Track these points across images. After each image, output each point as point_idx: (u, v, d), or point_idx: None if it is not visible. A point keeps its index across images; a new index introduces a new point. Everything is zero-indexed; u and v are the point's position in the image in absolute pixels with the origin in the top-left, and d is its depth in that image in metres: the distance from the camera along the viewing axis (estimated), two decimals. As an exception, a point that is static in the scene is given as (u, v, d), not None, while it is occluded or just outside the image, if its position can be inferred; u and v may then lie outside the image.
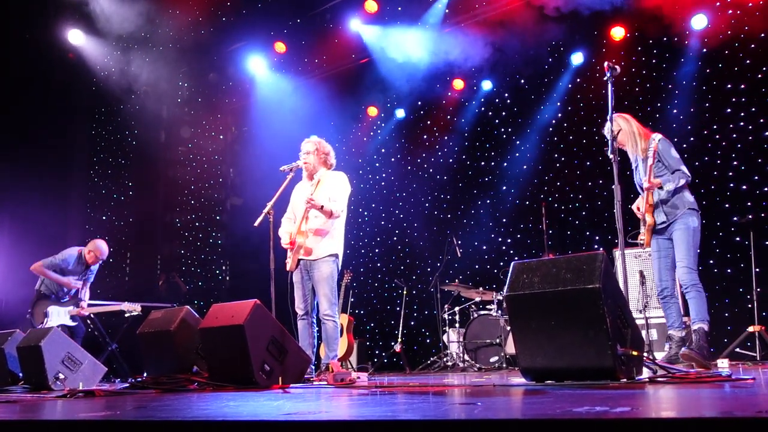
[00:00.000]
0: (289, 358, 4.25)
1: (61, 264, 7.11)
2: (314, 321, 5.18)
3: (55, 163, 9.97)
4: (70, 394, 3.75)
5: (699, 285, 4.70)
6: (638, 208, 4.98)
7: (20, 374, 5.57)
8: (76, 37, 9.42)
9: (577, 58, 8.60)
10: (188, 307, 4.93)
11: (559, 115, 8.84)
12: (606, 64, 4.27)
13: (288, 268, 5.22)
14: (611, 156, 4.29)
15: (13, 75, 9.19)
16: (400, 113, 10.33)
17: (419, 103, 10.15)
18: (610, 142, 4.32)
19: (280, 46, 10.04)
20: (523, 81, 9.06)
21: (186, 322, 4.75)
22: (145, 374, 5.26)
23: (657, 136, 4.76)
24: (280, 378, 4.09)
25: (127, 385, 4.57)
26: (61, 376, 5.02)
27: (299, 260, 5.15)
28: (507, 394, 2.42)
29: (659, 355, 5.27)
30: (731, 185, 7.34)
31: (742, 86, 7.42)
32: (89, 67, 9.51)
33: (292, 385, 4.12)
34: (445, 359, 7.74)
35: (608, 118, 4.38)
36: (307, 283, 5.15)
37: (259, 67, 10.35)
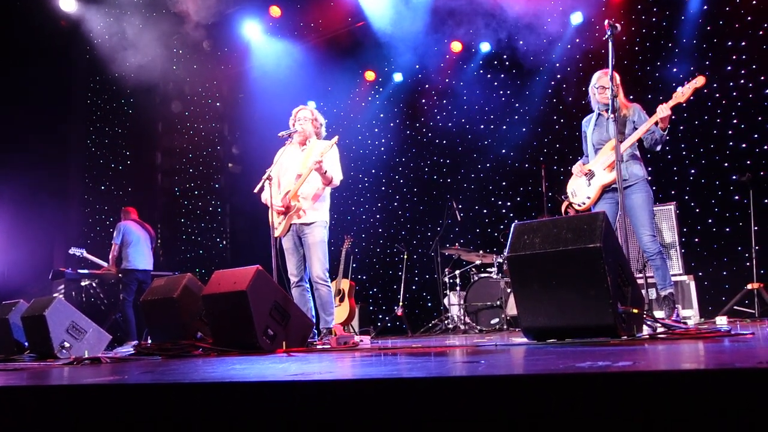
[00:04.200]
0: (292, 322, 4.28)
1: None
2: (308, 286, 5.19)
3: (52, 134, 9.91)
4: (76, 362, 3.80)
5: (663, 252, 4.74)
6: (583, 171, 4.94)
7: (25, 343, 5.62)
8: (67, 4, 9.27)
9: (576, 18, 8.49)
10: (190, 274, 4.96)
11: (558, 76, 8.77)
12: (606, 22, 4.21)
13: (277, 234, 5.18)
14: (612, 115, 4.26)
15: (5, 44, 9.08)
16: (398, 77, 10.24)
17: (417, 66, 10.03)
18: (611, 100, 4.29)
19: (275, 10, 9.90)
20: (522, 42, 8.95)
21: (189, 289, 4.78)
22: (149, 341, 5.32)
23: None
24: (283, 342, 4.14)
25: (132, 351, 4.62)
26: (67, 344, 5.07)
27: (290, 225, 5.14)
28: (509, 353, 2.44)
29: (659, 314, 5.32)
30: (731, 143, 7.32)
31: (743, 43, 7.35)
32: (83, 35, 9.38)
33: (295, 348, 4.17)
34: (446, 322, 7.82)
35: (609, 77, 4.34)
36: (300, 249, 5.16)
37: (255, 32, 10.21)
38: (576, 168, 5.03)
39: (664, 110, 4.49)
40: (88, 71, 10.25)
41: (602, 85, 4.77)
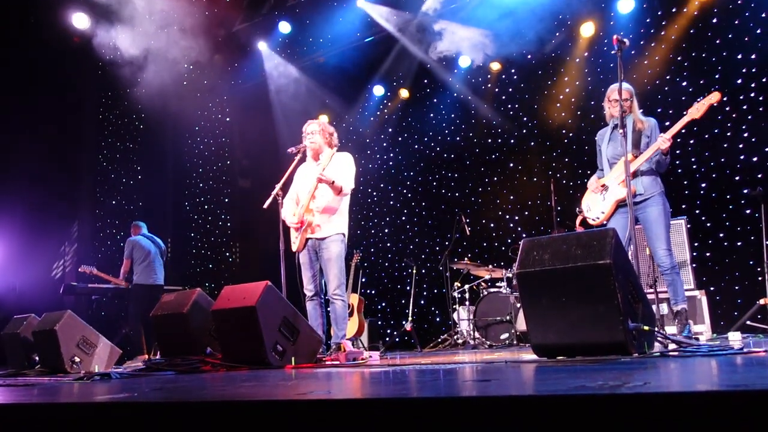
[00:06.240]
0: (301, 338, 4.28)
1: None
2: (323, 301, 5.20)
3: (63, 149, 9.99)
4: (86, 377, 3.80)
5: (678, 267, 4.71)
6: (598, 186, 4.93)
7: (36, 358, 5.64)
8: (80, 20, 9.38)
9: (585, 32, 8.51)
10: (200, 289, 4.97)
11: (567, 90, 8.78)
12: (615, 37, 4.22)
13: (295, 249, 5.23)
14: (621, 131, 4.25)
15: (19, 60, 9.18)
16: (407, 92, 10.29)
17: (425, 81, 10.09)
18: (620, 116, 4.28)
19: (284, 26, 9.98)
20: (530, 56, 8.98)
21: (198, 305, 4.79)
22: (159, 356, 5.32)
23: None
24: (292, 358, 4.13)
25: (143, 366, 4.62)
26: (77, 359, 5.09)
27: (307, 240, 5.16)
28: (519, 371, 2.43)
29: (670, 330, 5.28)
30: (741, 157, 7.29)
31: (753, 56, 7.33)
32: (95, 51, 9.47)
33: (304, 365, 4.16)
34: (455, 337, 7.78)
35: (611, 91, 4.34)
36: (315, 263, 5.17)
37: (264, 48, 10.31)
38: (591, 182, 5.02)
39: (664, 142, 4.51)
40: (100, 87, 10.35)
41: (616, 98, 4.75)
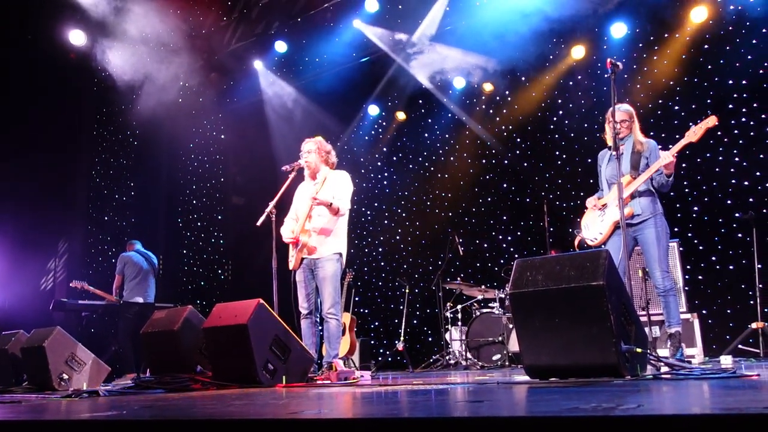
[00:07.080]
0: (293, 357, 4.25)
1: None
2: (317, 320, 5.18)
3: (57, 165, 9.95)
4: (74, 395, 3.76)
5: (674, 288, 4.72)
6: (597, 205, 4.95)
7: (24, 374, 5.58)
8: (77, 37, 9.40)
9: (578, 54, 8.59)
10: (191, 306, 4.94)
11: (560, 112, 8.84)
12: (608, 60, 4.26)
13: (291, 267, 5.22)
14: (615, 153, 4.28)
15: (15, 77, 9.18)
16: (401, 112, 10.33)
17: (420, 101, 10.14)
18: (613, 138, 4.31)
19: (280, 45, 10.03)
20: (524, 78, 9.06)
21: (189, 322, 4.75)
22: (148, 373, 5.27)
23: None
24: (283, 377, 4.10)
25: (132, 384, 4.57)
26: (65, 376, 5.03)
27: (302, 259, 5.15)
28: (512, 392, 2.42)
29: (662, 353, 5.27)
30: (733, 181, 7.33)
31: (744, 82, 7.41)
32: (91, 68, 9.49)
33: (295, 384, 4.12)
34: (447, 357, 7.74)
35: (611, 113, 4.37)
36: (311, 282, 5.15)
37: (260, 67, 10.35)
38: (590, 201, 5.04)
39: (666, 157, 4.54)
40: (95, 103, 10.35)
41: (617, 119, 4.77)
